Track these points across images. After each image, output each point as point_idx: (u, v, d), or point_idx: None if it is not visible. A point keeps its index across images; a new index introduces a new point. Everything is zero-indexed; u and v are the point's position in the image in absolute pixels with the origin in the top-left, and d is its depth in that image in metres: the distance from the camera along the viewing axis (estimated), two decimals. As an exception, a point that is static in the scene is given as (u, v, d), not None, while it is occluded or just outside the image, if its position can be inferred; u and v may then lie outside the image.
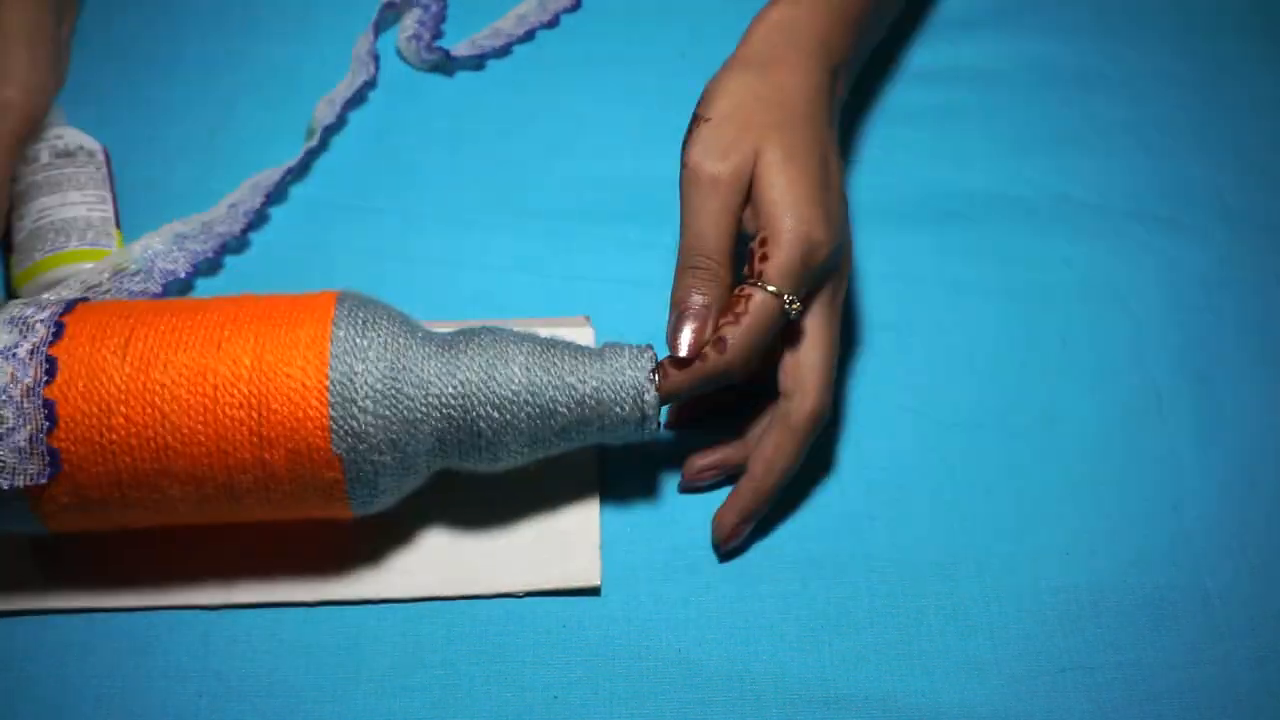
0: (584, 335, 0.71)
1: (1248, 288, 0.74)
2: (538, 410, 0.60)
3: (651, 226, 0.75)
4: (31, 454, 0.56)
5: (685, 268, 0.62)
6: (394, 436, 0.58)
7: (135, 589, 0.62)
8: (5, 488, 0.56)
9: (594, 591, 0.64)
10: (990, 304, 0.73)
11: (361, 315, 0.59)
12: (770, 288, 0.61)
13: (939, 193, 0.78)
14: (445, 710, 0.61)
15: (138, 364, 0.57)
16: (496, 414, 0.59)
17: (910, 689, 0.61)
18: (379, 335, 0.59)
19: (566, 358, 0.61)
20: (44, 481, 0.56)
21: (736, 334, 0.60)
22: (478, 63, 0.83)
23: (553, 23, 0.85)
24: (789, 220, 0.61)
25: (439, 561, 0.64)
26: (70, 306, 0.59)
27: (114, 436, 0.56)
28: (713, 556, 0.64)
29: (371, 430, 0.57)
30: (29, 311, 0.58)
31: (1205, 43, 0.85)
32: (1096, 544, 0.65)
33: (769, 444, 0.63)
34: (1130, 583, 0.64)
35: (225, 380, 0.57)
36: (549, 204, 0.77)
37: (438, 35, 0.84)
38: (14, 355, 0.56)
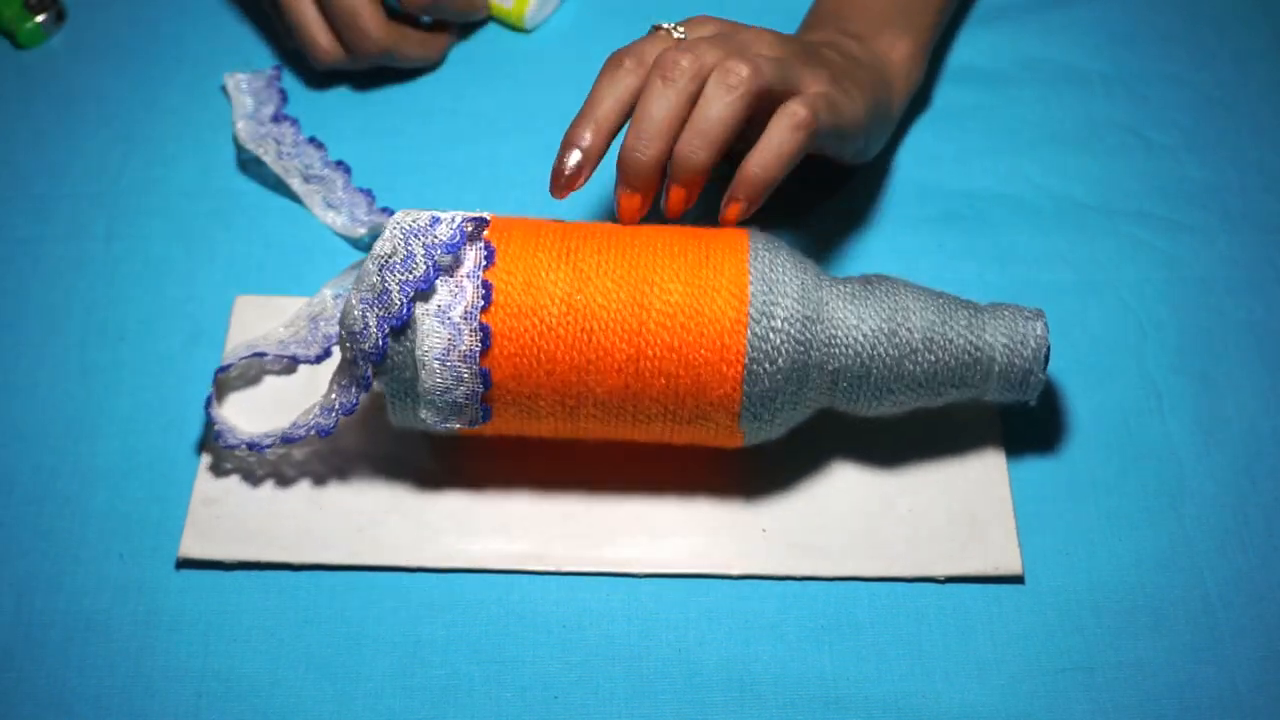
0: None
1: (1248, 288, 0.74)
2: (934, 358, 0.62)
3: (651, 226, 0.75)
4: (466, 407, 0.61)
5: None
6: (798, 367, 0.60)
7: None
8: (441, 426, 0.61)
9: (1017, 579, 0.64)
10: (990, 304, 0.73)
11: (773, 251, 0.61)
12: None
13: (939, 193, 0.78)
14: (445, 710, 0.61)
15: (572, 280, 0.60)
16: (896, 359, 0.61)
17: (910, 689, 0.61)
18: (790, 271, 0.61)
19: (963, 311, 0.63)
20: (480, 424, 0.61)
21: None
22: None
23: None
24: None
25: (858, 544, 0.65)
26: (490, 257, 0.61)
27: (545, 364, 0.60)
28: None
29: (781, 358, 0.59)
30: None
31: (1205, 43, 0.85)
32: (1096, 544, 0.65)
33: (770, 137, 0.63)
34: (1130, 583, 0.64)
35: (655, 307, 0.60)
36: (549, 204, 0.77)
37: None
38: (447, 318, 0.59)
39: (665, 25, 0.66)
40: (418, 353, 0.59)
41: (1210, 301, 0.74)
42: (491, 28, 0.85)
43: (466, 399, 0.61)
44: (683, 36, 0.66)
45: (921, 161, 0.79)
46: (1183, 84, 0.83)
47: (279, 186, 0.77)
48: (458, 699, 0.61)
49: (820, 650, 0.62)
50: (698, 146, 0.62)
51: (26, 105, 0.81)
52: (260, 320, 0.71)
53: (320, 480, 0.66)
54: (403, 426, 0.63)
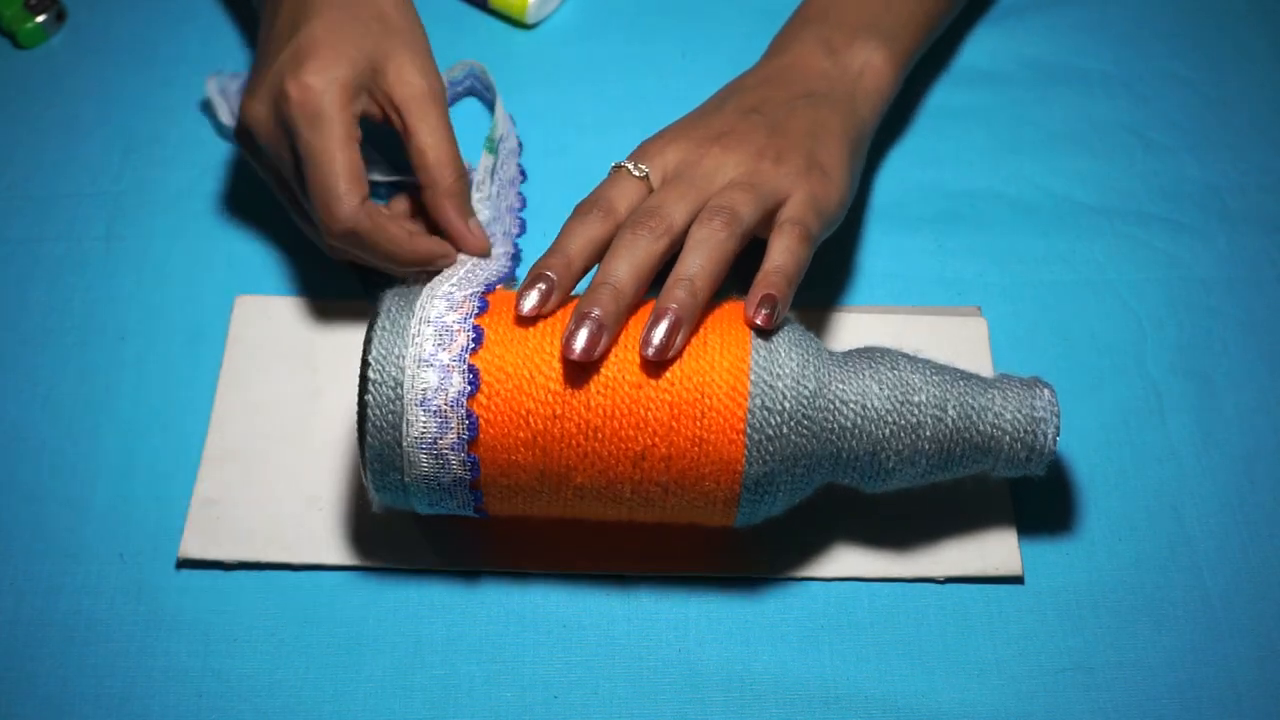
0: (976, 325, 0.71)
1: (1248, 288, 0.74)
2: (940, 441, 0.60)
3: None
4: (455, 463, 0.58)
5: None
6: (800, 453, 0.58)
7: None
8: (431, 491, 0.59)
9: (1017, 580, 0.64)
10: (990, 304, 0.73)
11: (776, 332, 0.59)
12: None
13: (939, 193, 0.78)
14: (445, 710, 0.61)
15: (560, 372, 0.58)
16: (902, 441, 0.59)
17: (910, 689, 0.61)
18: (793, 354, 0.59)
19: (969, 390, 0.60)
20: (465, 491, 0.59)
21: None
22: None
23: None
24: None
25: (858, 544, 0.65)
26: (483, 308, 0.60)
27: (534, 440, 0.58)
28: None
29: (781, 445, 0.58)
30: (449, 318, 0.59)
31: (1205, 42, 0.85)
32: (1096, 544, 0.65)
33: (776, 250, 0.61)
34: (1130, 583, 0.64)
35: (648, 392, 0.58)
36: (549, 204, 0.77)
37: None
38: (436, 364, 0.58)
39: (624, 164, 0.65)
40: (405, 443, 0.58)
41: (1210, 301, 0.74)
42: (493, 26, 0.85)
43: (455, 485, 0.59)
44: (644, 174, 0.64)
45: (921, 161, 0.79)
46: (1183, 84, 0.83)
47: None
48: (458, 699, 0.61)
49: (820, 650, 0.62)
50: (684, 299, 0.59)
51: (26, 105, 0.81)
52: (260, 320, 0.71)
53: (320, 481, 0.66)
54: (392, 508, 0.62)
